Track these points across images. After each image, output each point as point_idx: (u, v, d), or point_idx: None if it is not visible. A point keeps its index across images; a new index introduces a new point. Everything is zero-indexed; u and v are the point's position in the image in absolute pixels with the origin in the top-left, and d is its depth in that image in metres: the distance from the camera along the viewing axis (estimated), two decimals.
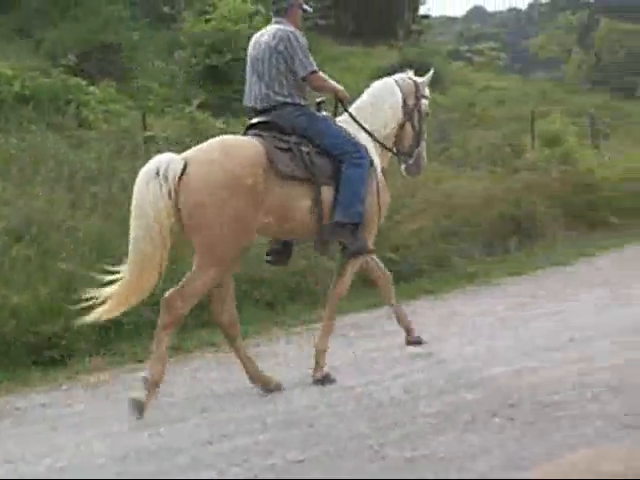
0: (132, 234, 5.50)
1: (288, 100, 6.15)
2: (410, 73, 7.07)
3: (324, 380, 5.97)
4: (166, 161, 5.52)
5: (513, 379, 5.68)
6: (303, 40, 6.24)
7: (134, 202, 5.51)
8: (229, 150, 5.72)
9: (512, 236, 11.31)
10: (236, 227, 5.55)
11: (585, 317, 7.58)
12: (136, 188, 5.52)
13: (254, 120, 6.23)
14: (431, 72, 7.20)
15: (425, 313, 8.37)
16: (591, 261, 10.83)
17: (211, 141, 5.86)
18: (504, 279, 9.86)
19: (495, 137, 14.41)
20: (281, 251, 6.42)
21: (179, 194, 5.46)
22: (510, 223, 11.43)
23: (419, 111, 6.89)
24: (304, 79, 6.19)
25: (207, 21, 15.76)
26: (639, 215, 14.40)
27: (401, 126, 6.79)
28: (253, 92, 6.26)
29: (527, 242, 11.37)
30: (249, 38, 6.63)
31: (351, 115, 6.55)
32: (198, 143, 6.03)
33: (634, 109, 27.17)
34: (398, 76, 6.97)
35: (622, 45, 65.42)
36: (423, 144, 6.96)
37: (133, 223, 5.50)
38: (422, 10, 38.15)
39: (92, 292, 5.55)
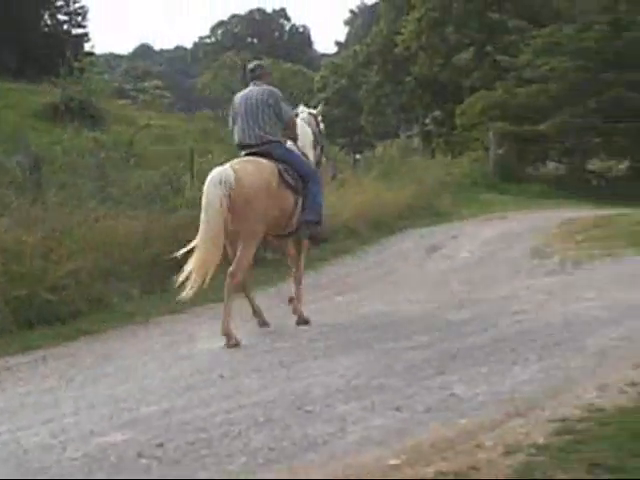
0: (204, 218, 8.03)
1: (274, 139, 8.79)
2: (303, 108, 10.16)
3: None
4: (224, 171, 8.14)
5: (163, 419, 5.68)
6: (280, 93, 9.03)
7: (205, 198, 8.05)
8: (257, 165, 8.43)
9: (172, 274, 11.35)
10: (273, 216, 8.42)
11: (235, 353, 7.74)
12: (207, 189, 8.07)
13: (245, 152, 8.80)
14: (320, 106, 10.89)
15: (81, 354, 8.28)
16: None
17: (240, 160, 8.61)
18: (163, 317, 9.90)
19: (155, 176, 14.46)
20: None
21: (233, 195, 8.00)
22: (169, 261, 11.48)
23: (320, 132, 10.06)
24: (287, 123, 8.99)
25: None
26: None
27: (314, 146, 9.78)
28: (247, 132, 8.78)
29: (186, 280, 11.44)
30: None
31: (297, 147, 9.27)
32: None
33: None
34: (304, 115, 9.92)
35: (286, 84, 68.10)
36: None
37: (205, 213, 8.02)
38: (86, 47, 37.87)
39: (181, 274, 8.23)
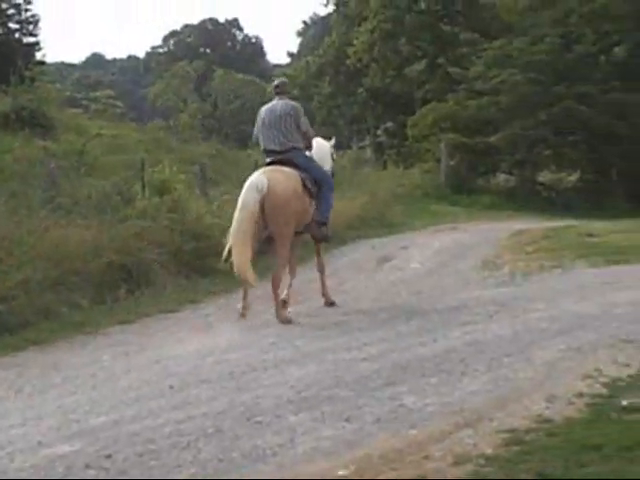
0: (238, 217, 9.31)
1: (296, 145, 10.11)
2: (321, 140, 11.49)
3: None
4: (260, 178, 9.47)
5: (111, 429, 5.64)
6: (301, 107, 10.39)
7: (242, 200, 9.35)
8: (286, 175, 9.71)
9: (122, 284, 11.30)
10: (297, 217, 9.71)
11: (185, 364, 7.70)
12: (245, 192, 9.39)
13: (269, 157, 10.15)
14: (333, 139, 12.33)
15: (30, 365, 8.21)
16: (198, 307, 11.06)
17: (268, 168, 9.87)
18: (112, 328, 9.83)
19: (106, 185, 14.34)
20: (269, 241, 9.85)
21: (267, 200, 9.32)
22: (120, 271, 11.43)
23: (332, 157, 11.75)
24: (304, 133, 10.18)
25: None
26: None
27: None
28: (271, 139, 10.08)
29: (137, 290, 11.40)
30: None
31: (311, 156, 10.52)
32: None
33: (246, 157, 28.03)
34: (321, 141, 11.38)
35: (237, 95, 68.00)
36: None
37: (239, 212, 9.31)
38: (38, 56, 37.56)
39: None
